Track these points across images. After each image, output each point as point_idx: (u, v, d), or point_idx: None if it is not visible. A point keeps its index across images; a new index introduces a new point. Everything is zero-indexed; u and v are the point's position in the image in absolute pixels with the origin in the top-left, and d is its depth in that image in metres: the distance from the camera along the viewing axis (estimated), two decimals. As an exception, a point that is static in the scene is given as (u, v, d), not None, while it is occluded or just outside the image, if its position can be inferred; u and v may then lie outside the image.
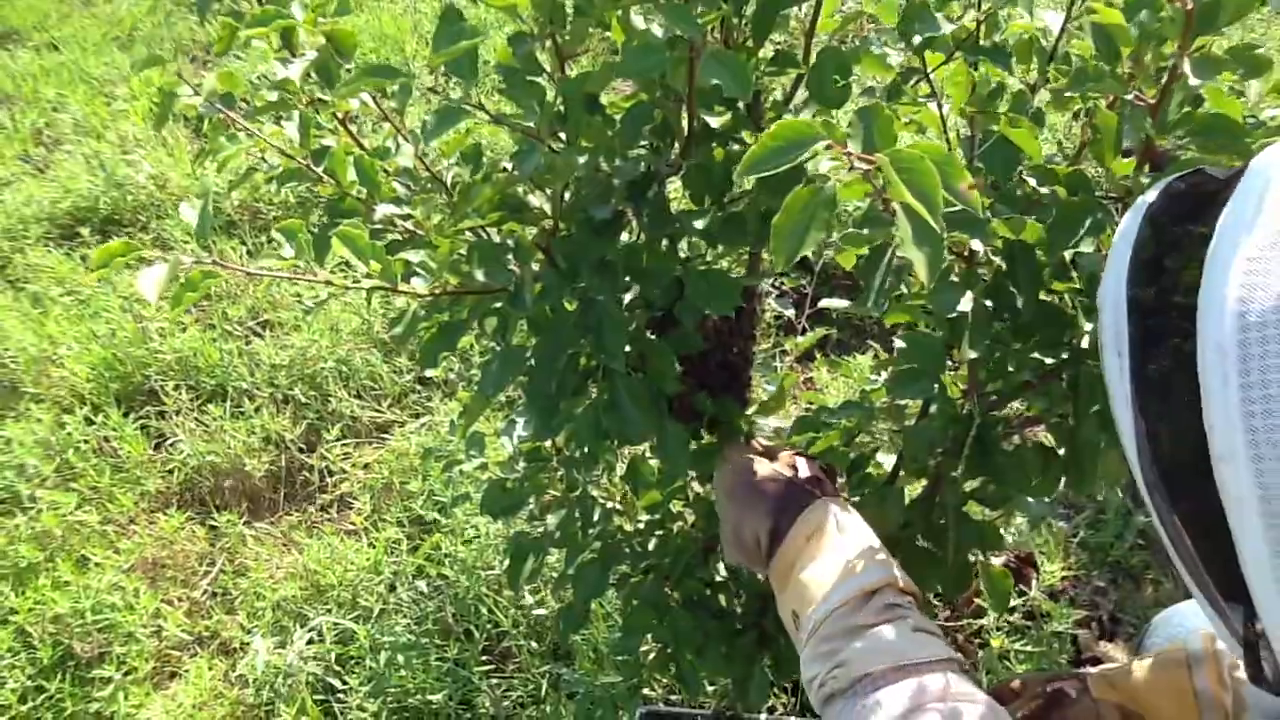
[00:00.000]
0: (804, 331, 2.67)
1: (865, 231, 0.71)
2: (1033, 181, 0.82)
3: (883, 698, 0.84)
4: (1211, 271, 0.59)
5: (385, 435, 2.62)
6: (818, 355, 2.74)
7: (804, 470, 1.12)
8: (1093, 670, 1.31)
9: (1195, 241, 0.63)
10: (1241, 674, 0.65)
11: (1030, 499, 1.15)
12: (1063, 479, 1.01)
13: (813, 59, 0.92)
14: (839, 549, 0.99)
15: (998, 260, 0.86)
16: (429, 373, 2.72)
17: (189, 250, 0.79)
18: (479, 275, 0.88)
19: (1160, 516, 0.66)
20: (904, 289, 0.96)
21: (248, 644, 2.13)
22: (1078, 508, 2.29)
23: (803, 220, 0.55)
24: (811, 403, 1.32)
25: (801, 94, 0.99)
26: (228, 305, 3.00)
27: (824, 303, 1.37)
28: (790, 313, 1.57)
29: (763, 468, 1.12)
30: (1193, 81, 0.70)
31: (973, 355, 0.86)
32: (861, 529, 1.02)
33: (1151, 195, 0.70)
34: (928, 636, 0.89)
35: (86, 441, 2.58)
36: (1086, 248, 0.79)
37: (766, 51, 0.97)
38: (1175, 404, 0.64)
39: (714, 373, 1.20)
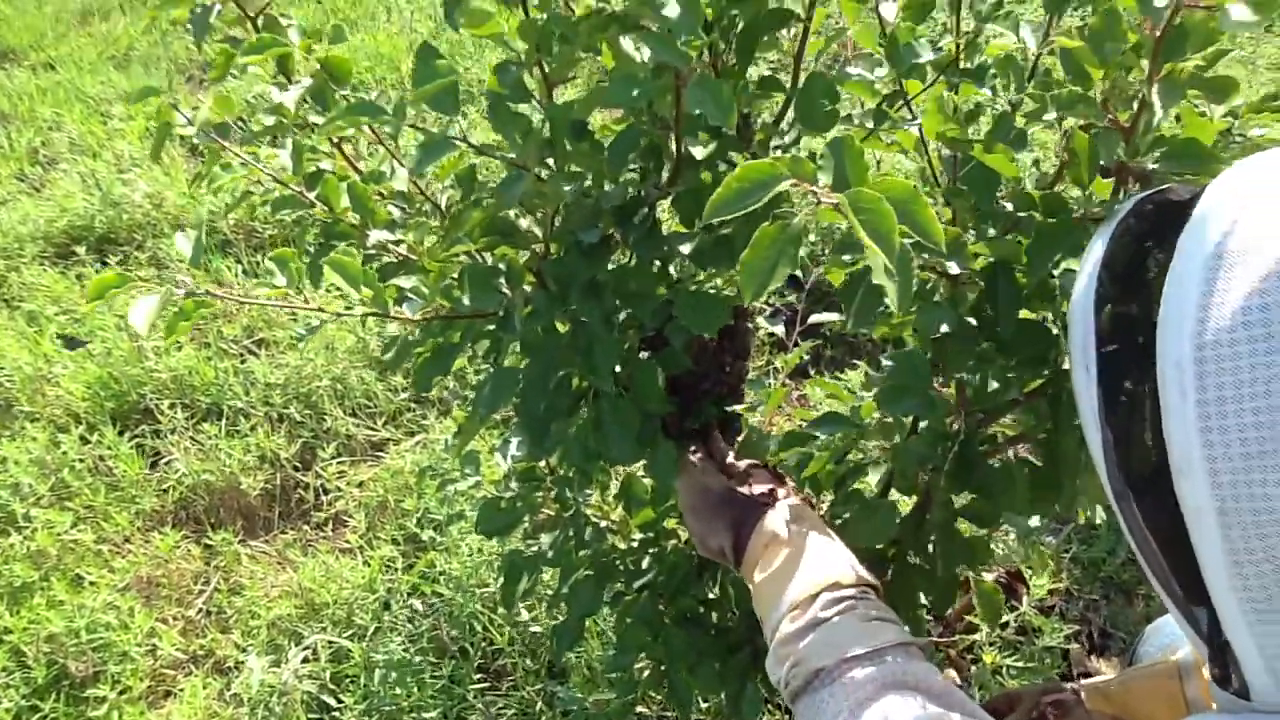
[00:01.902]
0: (796, 346, 2.69)
1: (845, 257, 0.72)
2: (1010, 206, 0.83)
3: (836, 690, 0.85)
4: (1170, 290, 0.61)
5: (380, 453, 2.63)
6: (812, 372, 2.75)
7: (758, 485, 1.15)
8: (1086, 682, 1.32)
9: (1159, 260, 0.65)
10: None
11: (1019, 515, 1.17)
12: (1046, 496, 1.03)
13: (801, 82, 0.94)
14: (790, 555, 1.02)
15: (979, 280, 0.87)
16: (425, 392, 2.73)
17: (185, 271, 0.80)
18: (467, 300, 0.89)
19: (1128, 525, 0.67)
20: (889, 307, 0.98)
21: (242, 663, 2.13)
22: (1070, 523, 2.30)
23: (771, 256, 0.57)
24: (804, 420, 1.33)
25: (791, 115, 1.01)
26: (223, 324, 3.01)
27: (814, 318, 1.38)
28: (780, 330, 1.58)
29: (720, 485, 1.15)
30: (1159, 110, 0.72)
31: (957, 374, 0.87)
32: (813, 532, 1.05)
33: (1120, 214, 0.72)
34: (879, 624, 0.91)
35: (82, 460, 2.58)
36: (1066, 269, 0.80)
37: (762, 70, 0.99)
38: (1139, 417, 0.66)
39: (707, 392, 1.21)
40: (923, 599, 1.24)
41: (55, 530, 2.39)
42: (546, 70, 0.82)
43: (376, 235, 0.96)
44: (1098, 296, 0.70)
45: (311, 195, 0.98)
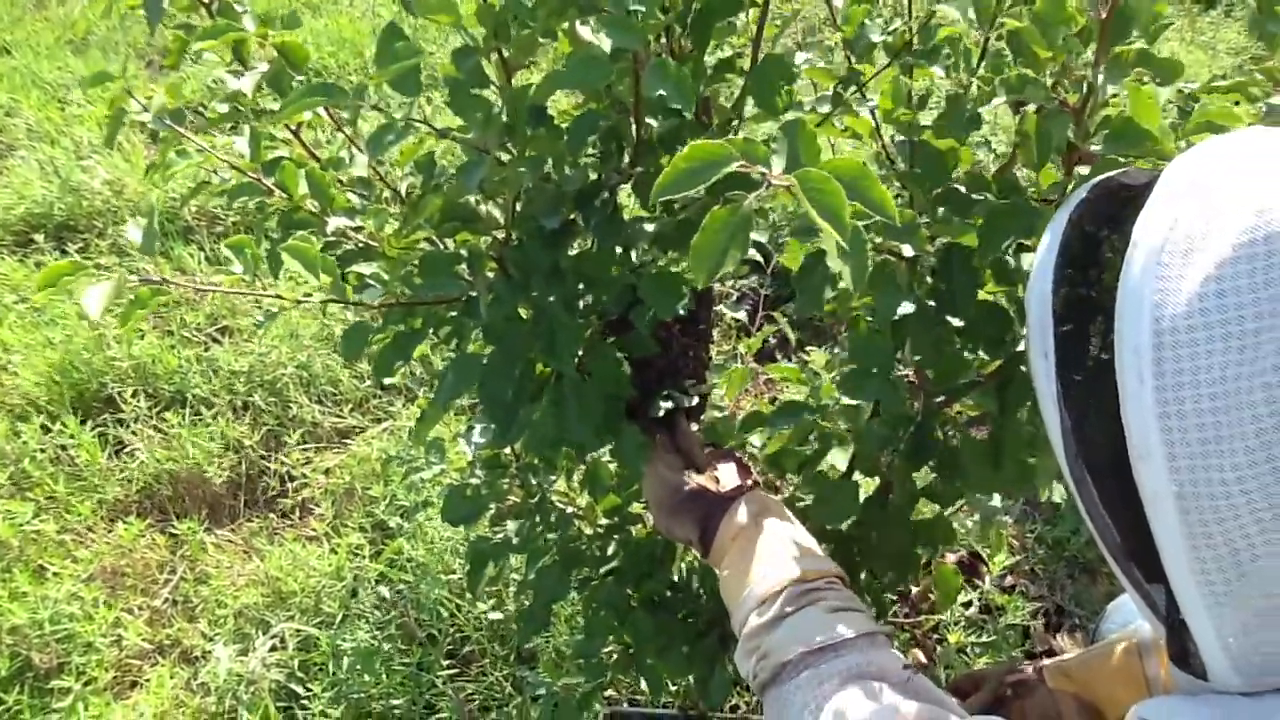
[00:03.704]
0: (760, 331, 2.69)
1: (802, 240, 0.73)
2: (963, 189, 0.84)
3: (802, 683, 0.86)
4: (1128, 276, 0.62)
5: (347, 440, 2.62)
6: (779, 356, 2.75)
7: (725, 479, 1.16)
8: (1048, 662, 1.34)
9: (1116, 245, 0.66)
10: None
11: (980, 495, 1.18)
12: (1002, 474, 1.04)
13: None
14: (757, 549, 1.02)
15: (934, 262, 0.88)
16: (388, 379, 2.71)
17: (147, 259, 0.79)
18: (425, 287, 0.89)
19: (1087, 509, 0.68)
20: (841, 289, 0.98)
21: (209, 652, 2.12)
22: (1035, 502, 2.33)
23: (721, 239, 0.57)
24: (767, 406, 1.34)
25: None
26: (186, 311, 2.97)
27: (778, 310, 1.39)
28: (743, 315, 1.59)
29: (685, 480, 1.16)
30: (1108, 90, 0.72)
31: (918, 357, 0.88)
32: (779, 525, 1.05)
33: (1077, 198, 0.72)
34: (845, 614, 0.92)
35: (43, 450, 2.55)
36: (1023, 249, 0.81)
37: (724, 53, 0.99)
38: (1098, 403, 0.66)
39: (673, 375, 1.21)
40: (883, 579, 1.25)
41: (16, 521, 2.36)
42: (505, 56, 0.82)
43: (336, 222, 0.96)
44: (1055, 281, 0.70)
45: (269, 182, 0.97)
